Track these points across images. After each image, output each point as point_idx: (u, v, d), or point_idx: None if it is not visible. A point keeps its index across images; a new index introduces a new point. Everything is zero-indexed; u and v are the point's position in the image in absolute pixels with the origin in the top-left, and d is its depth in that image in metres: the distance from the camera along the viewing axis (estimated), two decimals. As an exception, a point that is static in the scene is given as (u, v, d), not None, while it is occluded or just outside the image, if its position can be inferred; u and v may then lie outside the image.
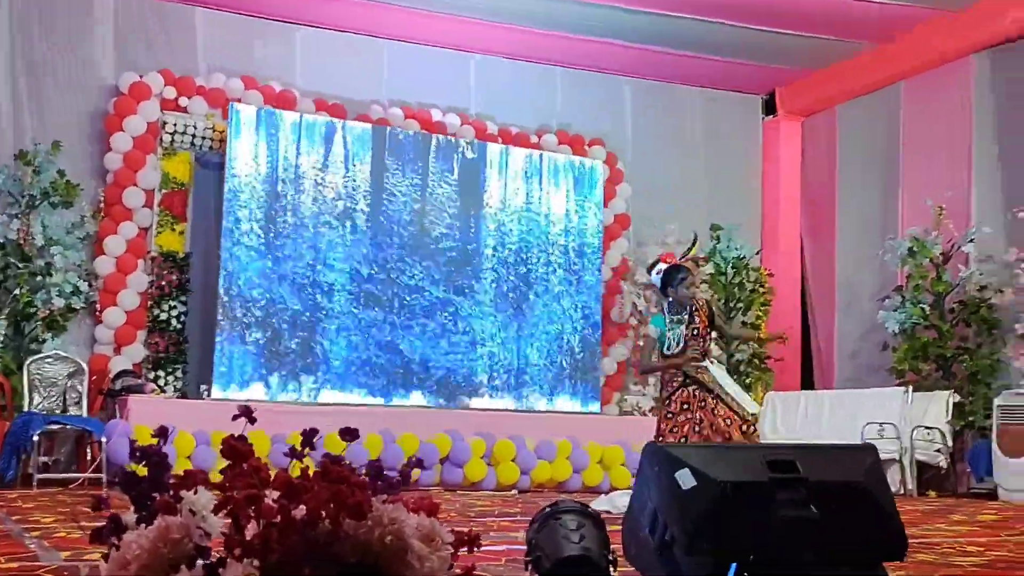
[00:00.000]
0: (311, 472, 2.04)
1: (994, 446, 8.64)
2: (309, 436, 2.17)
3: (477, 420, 8.89)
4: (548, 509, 2.84)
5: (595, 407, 10.45)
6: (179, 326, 9.06)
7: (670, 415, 5.76)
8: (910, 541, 4.67)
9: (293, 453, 2.16)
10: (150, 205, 9.17)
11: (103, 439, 7.21)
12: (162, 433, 2.12)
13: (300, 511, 1.96)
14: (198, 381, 8.97)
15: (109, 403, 8.03)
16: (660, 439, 5.62)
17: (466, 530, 2.18)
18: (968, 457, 9.40)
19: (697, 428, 5.67)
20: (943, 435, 9.18)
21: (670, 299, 5.89)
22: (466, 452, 8.42)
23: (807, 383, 11.71)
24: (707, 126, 12.03)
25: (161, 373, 8.89)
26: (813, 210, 12.10)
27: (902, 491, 9.02)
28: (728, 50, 10.94)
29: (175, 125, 9.27)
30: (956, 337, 9.76)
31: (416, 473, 8.21)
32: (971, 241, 9.68)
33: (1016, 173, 9.65)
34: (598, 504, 6.47)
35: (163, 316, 8.98)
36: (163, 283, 9.03)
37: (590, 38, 10.60)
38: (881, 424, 8.97)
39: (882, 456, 8.75)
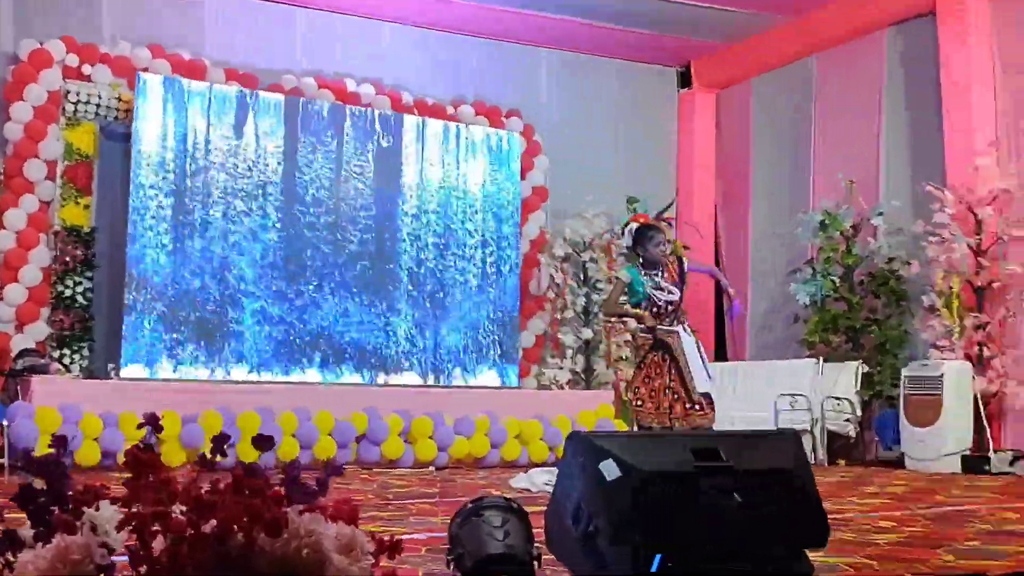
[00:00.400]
0: (222, 485, 1.92)
1: (901, 416, 8.86)
2: (220, 443, 2.06)
3: (394, 397, 8.78)
4: (471, 505, 2.78)
5: (513, 381, 10.42)
6: (85, 303, 8.74)
7: (638, 375, 5.82)
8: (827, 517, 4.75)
9: (203, 462, 2.04)
10: (52, 178, 8.80)
11: (4, 423, 6.91)
12: (60, 443, 1.98)
13: (211, 524, 1.85)
14: (105, 359, 8.68)
15: (11, 384, 7.70)
16: (633, 394, 5.67)
17: (387, 537, 2.09)
18: (876, 426, 9.64)
19: (651, 395, 5.75)
20: (852, 405, 9.39)
21: (642, 258, 5.94)
22: (383, 430, 8.31)
23: (720, 355, 11.86)
24: (623, 98, 12.03)
25: (66, 351, 8.58)
26: (727, 183, 12.22)
27: (813, 461, 9.20)
28: (644, 22, 10.93)
29: (78, 94, 8.89)
30: (865, 308, 9.96)
31: (333, 450, 8.07)
32: (880, 214, 9.87)
33: (925, 147, 9.85)
34: (517, 482, 6.45)
35: (67, 292, 8.65)
36: (67, 258, 8.70)
37: (505, 8, 10.48)
38: (793, 396, 9.12)
39: (793, 427, 8.99)
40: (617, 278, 5.95)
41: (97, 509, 1.82)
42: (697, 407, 5.76)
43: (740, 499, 3.04)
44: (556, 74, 11.68)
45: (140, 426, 1.95)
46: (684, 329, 5.87)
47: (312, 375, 9.33)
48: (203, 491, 1.82)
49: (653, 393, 5.78)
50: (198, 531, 1.82)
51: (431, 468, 8.47)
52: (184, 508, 1.75)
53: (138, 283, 8.64)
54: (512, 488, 6.33)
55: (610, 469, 2.95)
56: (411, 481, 6.92)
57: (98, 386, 7.77)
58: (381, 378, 9.65)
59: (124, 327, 8.54)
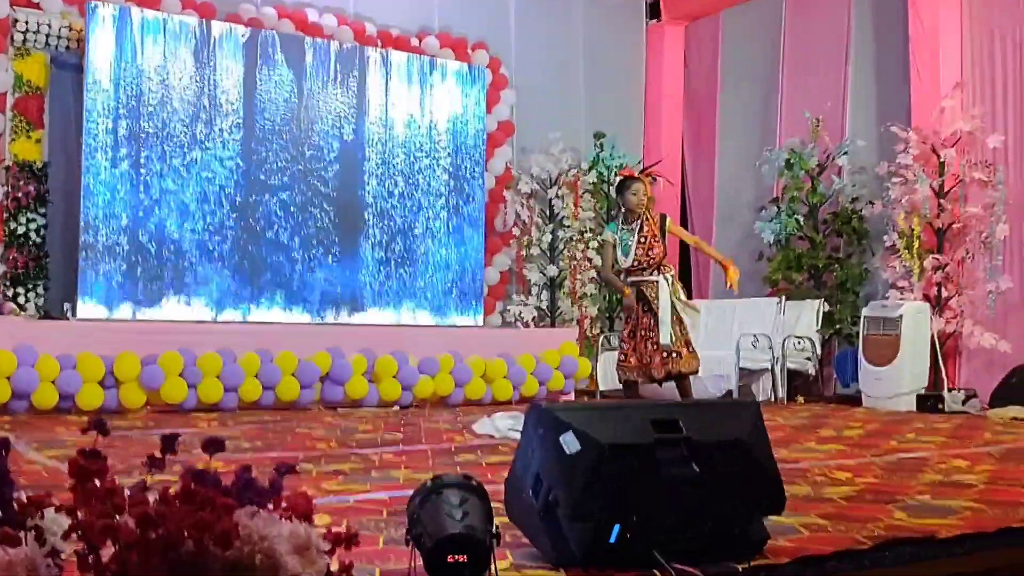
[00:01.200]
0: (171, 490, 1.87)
1: (860, 355, 8.98)
2: (168, 442, 2.00)
3: (358, 336, 8.72)
4: (430, 483, 2.76)
5: (478, 318, 10.41)
6: (39, 240, 8.55)
7: (624, 328, 5.93)
8: (782, 467, 4.82)
9: (152, 462, 1.99)
10: (2, 110, 8.51)
11: (-43, 367, 6.80)
12: (3, 445, 1.91)
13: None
14: (62, 299, 8.53)
15: (-37, 325, 7.56)
16: (619, 348, 5.77)
17: (343, 531, 2.06)
18: (835, 363, 9.77)
19: (634, 348, 5.84)
20: (813, 344, 9.49)
21: (623, 209, 6.02)
22: (347, 370, 8.28)
23: (687, 294, 11.89)
24: (591, 29, 11.84)
25: (21, 290, 8.41)
26: (695, 118, 12.13)
27: (773, 399, 9.33)
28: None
29: (27, 23, 8.56)
30: (827, 247, 10.02)
31: (296, 392, 8.06)
32: (845, 154, 9.87)
33: (891, 87, 9.82)
34: (480, 427, 6.47)
35: (20, 230, 8.45)
36: (19, 195, 8.47)
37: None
38: (755, 336, 9.19)
39: (755, 367, 9.08)
40: (604, 241, 6.00)
41: (42, 517, 1.76)
42: (674, 355, 5.84)
43: (698, 469, 3.07)
44: (523, 2, 11.44)
45: (85, 431, 1.87)
46: (664, 278, 5.94)
47: (274, 315, 9.24)
48: (151, 501, 1.76)
49: (636, 346, 5.87)
50: (147, 537, 1.77)
51: (395, 407, 8.48)
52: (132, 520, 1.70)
53: (93, 220, 8.45)
54: (475, 433, 6.35)
55: (570, 442, 2.95)
56: (376, 425, 6.90)
57: (54, 327, 7.64)
58: (344, 317, 9.58)
59: (80, 266, 8.37)
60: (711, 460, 3.07)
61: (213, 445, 1.95)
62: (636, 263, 6.02)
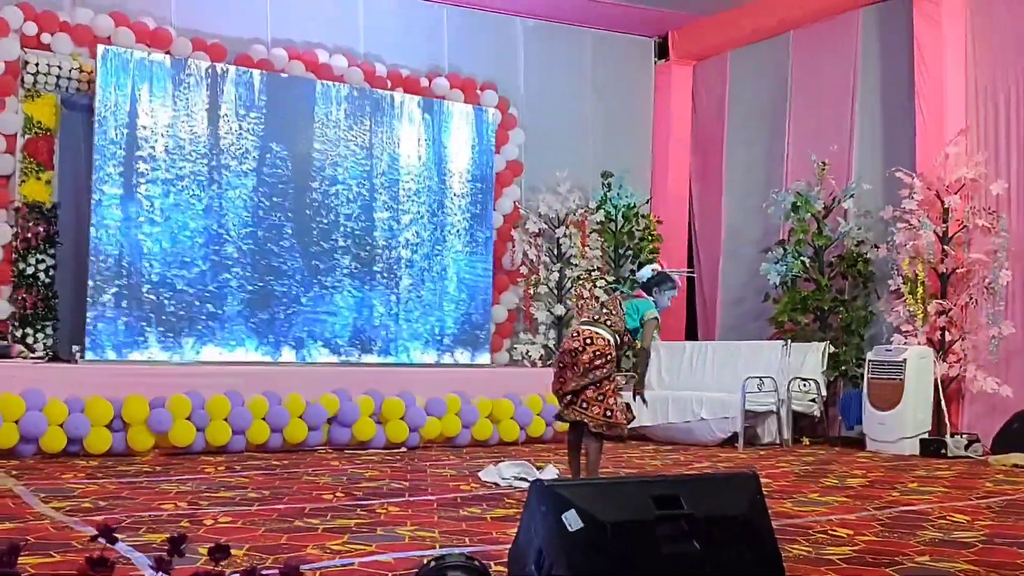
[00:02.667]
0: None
1: (864, 398, 9.00)
2: (176, 544, 2.04)
3: (365, 377, 8.75)
4: (434, 564, 2.79)
5: (485, 357, 10.43)
6: (47, 280, 8.62)
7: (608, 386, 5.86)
8: (784, 523, 4.84)
9: (160, 565, 2.02)
10: (12, 151, 8.60)
11: (-34, 412, 6.85)
12: (12, 553, 1.95)
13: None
14: (70, 339, 8.58)
15: (-28, 369, 7.61)
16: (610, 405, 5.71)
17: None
18: (840, 405, 9.78)
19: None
20: (818, 385, 9.51)
21: (651, 297, 5.90)
22: (354, 411, 8.31)
23: (691, 330, 11.94)
24: (600, 69, 11.94)
25: (29, 331, 8.47)
26: (702, 157, 12.19)
27: (778, 442, 9.34)
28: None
29: (38, 65, 8.67)
30: (833, 289, 10.05)
31: (304, 433, 8.09)
32: (851, 197, 9.92)
33: (896, 132, 9.87)
34: (486, 475, 6.49)
35: (29, 270, 8.52)
36: (29, 235, 8.55)
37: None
38: (761, 378, 9.20)
39: (760, 409, 9.12)
40: (655, 318, 5.92)
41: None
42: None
43: (699, 546, 3.10)
44: (532, 43, 11.55)
45: (93, 539, 1.91)
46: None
47: (282, 355, 9.28)
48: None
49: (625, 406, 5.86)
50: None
51: (402, 449, 8.51)
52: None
53: (102, 261, 8.51)
54: (481, 481, 6.38)
55: (572, 520, 2.99)
56: (382, 471, 6.92)
57: (62, 370, 7.69)
58: (353, 357, 9.62)
59: (88, 306, 8.42)
60: (712, 536, 3.11)
61: (219, 552, 1.98)
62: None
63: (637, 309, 5.85)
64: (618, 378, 5.89)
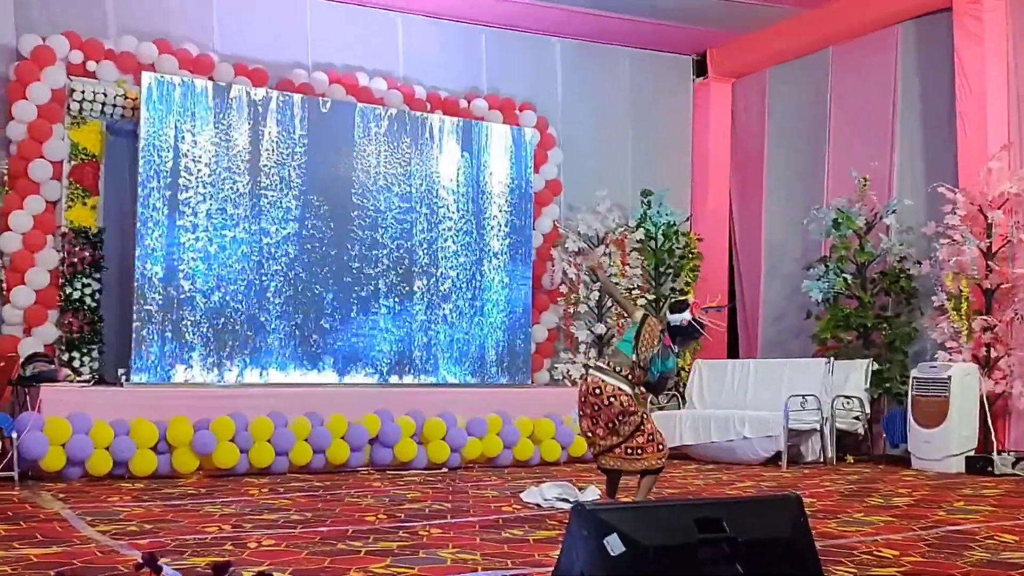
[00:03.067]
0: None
1: (909, 416, 8.89)
2: (220, 571, 2.06)
3: (407, 398, 8.80)
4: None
5: (526, 376, 10.43)
6: (93, 304, 8.74)
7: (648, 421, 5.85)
8: (828, 544, 4.79)
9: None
10: (58, 178, 8.75)
11: (14, 435, 6.95)
12: (151, 561, 1.97)
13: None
14: (115, 362, 8.69)
15: (20, 392, 7.74)
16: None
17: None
18: (884, 423, 9.66)
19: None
20: (862, 403, 9.41)
21: (670, 342, 5.82)
22: (396, 433, 8.35)
23: (732, 347, 11.85)
24: (637, 87, 11.94)
25: (76, 354, 8.59)
26: (742, 174, 12.14)
27: (822, 460, 9.24)
28: (658, 13, 10.82)
29: (83, 92, 8.83)
30: (876, 306, 9.95)
31: (346, 454, 8.14)
32: (893, 212, 9.83)
33: (937, 147, 9.78)
34: (528, 496, 6.48)
35: (76, 295, 8.65)
36: (75, 260, 8.69)
37: (517, 0, 10.39)
38: (804, 396, 9.12)
39: (803, 427, 9.04)
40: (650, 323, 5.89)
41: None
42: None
43: (741, 570, 3.08)
44: (570, 63, 11.57)
45: (138, 567, 1.93)
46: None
47: (324, 376, 9.33)
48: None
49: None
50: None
51: (444, 469, 8.53)
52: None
53: (147, 284, 8.62)
54: (523, 502, 6.37)
55: (614, 544, 2.98)
56: (424, 493, 6.94)
57: (108, 394, 7.80)
58: (394, 377, 9.65)
59: (133, 330, 8.53)
60: (754, 559, 3.09)
61: (219, 570, 1.99)
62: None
63: (663, 361, 5.81)
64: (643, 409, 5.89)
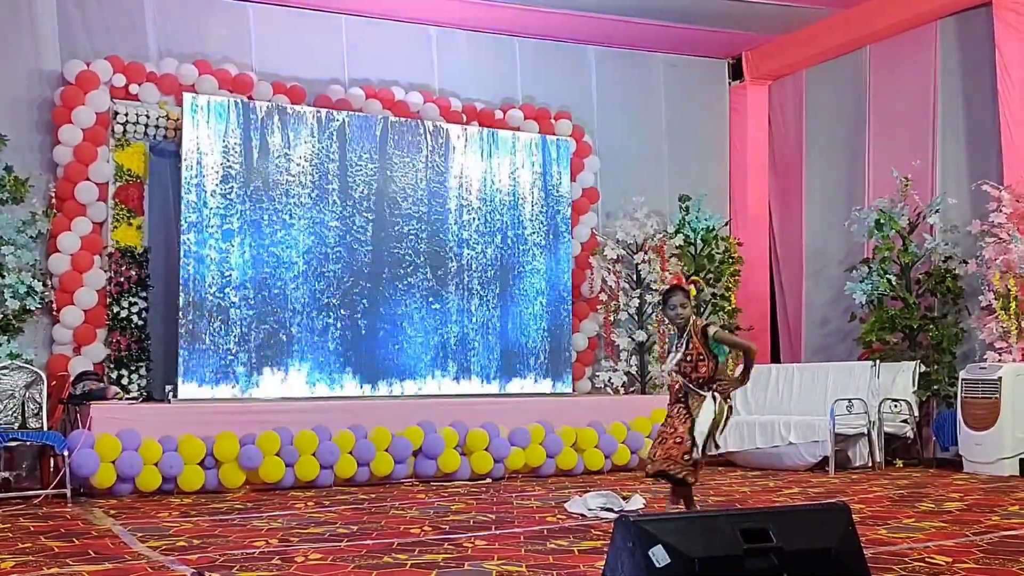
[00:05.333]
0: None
1: (959, 418, 8.75)
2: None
3: (449, 409, 8.81)
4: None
5: (567, 385, 10.42)
6: (140, 323, 8.87)
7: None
8: (878, 551, 4.72)
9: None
10: (104, 199, 8.90)
11: (66, 453, 7.07)
12: None
13: None
14: (163, 379, 8.82)
15: (71, 410, 7.87)
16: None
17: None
18: (934, 427, 9.52)
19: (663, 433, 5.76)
20: (910, 406, 9.28)
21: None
22: (439, 444, 8.37)
23: (775, 352, 11.76)
24: (673, 92, 11.89)
25: (124, 372, 8.73)
26: (781, 176, 12.05)
27: (870, 465, 9.12)
28: (692, 18, 10.78)
29: (127, 115, 8.97)
30: (921, 307, 9.82)
31: (390, 466, 8.18)
32: (936, 212, 9.70)
33: (980, 144, 9.64)
34: (572, 506, 6.47)
35: (123, 313, 8.79)
36: (122, 279, 8.83)
37: (551, 9, 10.40)
38: (850, 400, 9.02)
39: (850, 431, 8.93)
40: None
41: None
42: (691, 464, 5.70)
43: (790, 579, 3.05)
44: (604, 70, 11.56)
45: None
46: (713, 398, 5.66)
47: (366, 389, 9.40)
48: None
49: (659, 436, 5.81)
50: None
51: (488, 479, 8.54)
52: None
53: (192, 302, 8.74)
54: (567, 512, 6.36)
55: (659, 555, 2.96)
56: (468, 503, 6.95)
57: (155, 411, 7.89)
58: (435, 389, 9.69)
59: (179, 347, 8.65)
60: (802, 570, 3.05)
61: None
62: (684, 376, 5.81)
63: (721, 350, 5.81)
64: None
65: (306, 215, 9.33)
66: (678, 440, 5.63)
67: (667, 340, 5.76)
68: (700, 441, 5.57)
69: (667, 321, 5.78)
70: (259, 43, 9.92)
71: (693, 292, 5.81)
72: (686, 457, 5.60)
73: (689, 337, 5.70)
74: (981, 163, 9.55)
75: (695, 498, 5.96)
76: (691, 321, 5.73)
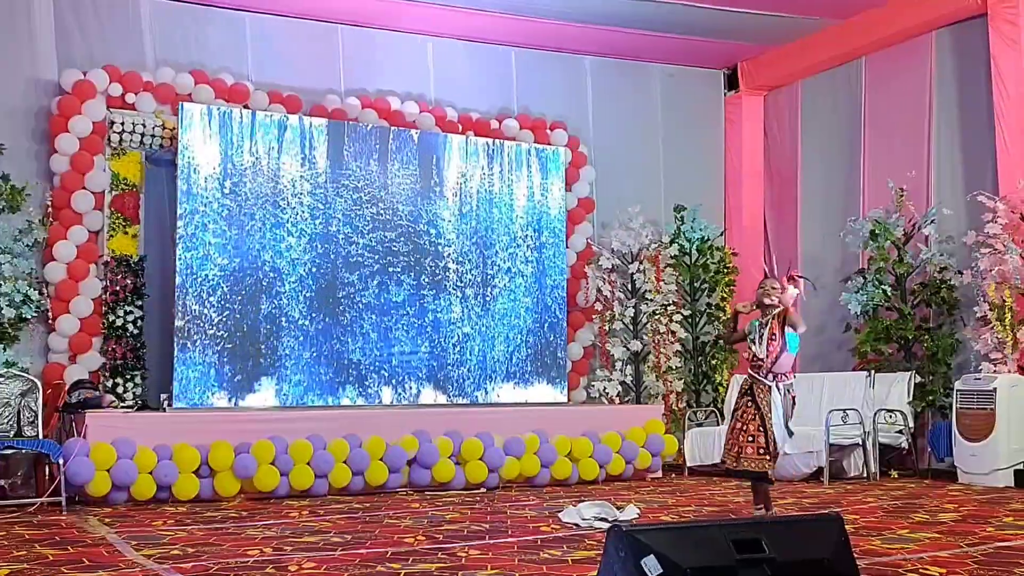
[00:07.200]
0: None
1: (954, 429, 8.76)
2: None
3: (443, 419, 8.82)
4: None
5: (562, 394, 10.43)
6: (136, 331, 8.87)
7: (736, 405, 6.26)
8: (873, 561, 4.73)
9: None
10: (100, 208, 8.91)
11: (61, 461, 7.06)
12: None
13: None
14: (158, 388, 8.81)
15: (66, 419, 7.86)
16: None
17: None
18: (929, 437, 9.52)
19: (731, 435, 6.14)
20: (905, 416, 9.28)
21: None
22: (433, 453, 8.37)
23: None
24: (668, 103, 11.92)
25: (119, 380, 8.72)
26: (776, 187, 12.07)
27: (865, 475, 9.12)
28: (688, 28, 10.81)
29: (123, 124, 8.99)
30: (916, 318, 9.83)
31: (385, 476, 8.18)
32: (932, 222, 9.71)
33: (976, 155, 9.66)
34: (566, 516, 6.47)
35: (119, 322, 8.79)
36: (117, 288, 8.83)
37: (546, 20, 10.43)
38: (845, 410, 9.03)
39: (845, 442, 8.93)
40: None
41: None
42: (767, 456, 6.01)
43: (782, 590, 3.05)
44: (600, 80, 11.59)
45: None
46: (776, 388, 6.08)
47: (361, 399, 9.40)
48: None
49: (732, 434, 6.12)
50: None
51: (482, 490, 8.53)
52: None
53: (187, 311, 8.75)
54: (561, 522, 6.36)
55: (652, 566, 2.97)
56: (463, 513, 6.95)
57: (151, 419, 7.90)
58: (430, 399, 9.69)
59: (175, 356, 8.65)
60: (795, 580, 3.06)
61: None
62: (755, 359, 6.15)
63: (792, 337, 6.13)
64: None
65: (302, 224, 9.34)
66: (750, 439, 6.00)
67: (747, 328, 6.19)
68: (778, 433, 6.00)
69: (757, 305, 6.20)
70: (255, 53, 9.94)
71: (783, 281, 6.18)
72: (761, 451, 5.97)
73: (769, 321, 6.08)
74: (976, 174, 9.57)
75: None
76: (775, 310, 6.09)
